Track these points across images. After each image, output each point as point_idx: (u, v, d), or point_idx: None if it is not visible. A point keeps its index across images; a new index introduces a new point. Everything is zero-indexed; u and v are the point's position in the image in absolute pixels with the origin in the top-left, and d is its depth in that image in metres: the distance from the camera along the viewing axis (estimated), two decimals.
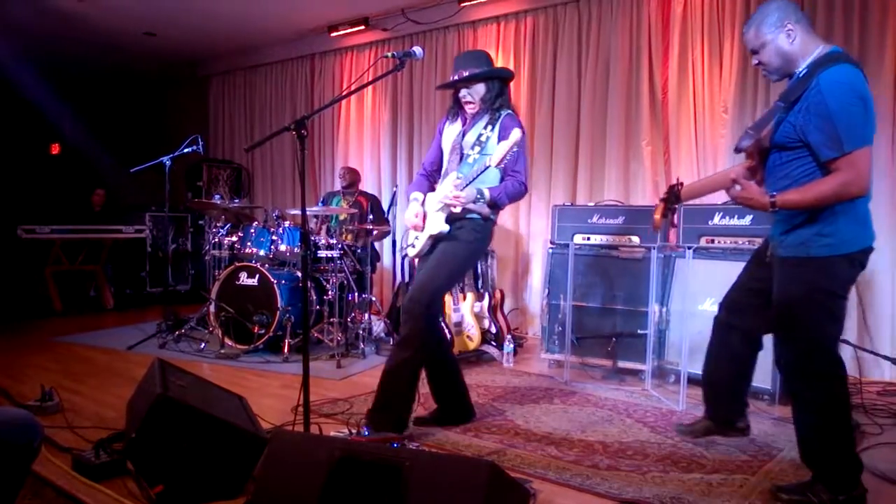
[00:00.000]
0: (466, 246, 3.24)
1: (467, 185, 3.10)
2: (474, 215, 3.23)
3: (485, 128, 3.22)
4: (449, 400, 3.52)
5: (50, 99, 8.57)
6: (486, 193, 3.14)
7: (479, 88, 3.26)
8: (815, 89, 2.28)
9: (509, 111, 3.28)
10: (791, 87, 2.41)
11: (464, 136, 3.30)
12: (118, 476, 2.60)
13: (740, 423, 2.96)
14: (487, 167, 3.07)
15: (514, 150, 3.01)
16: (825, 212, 2.33)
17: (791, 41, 2.40)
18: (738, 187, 2.48)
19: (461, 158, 3.25)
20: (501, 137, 3.12)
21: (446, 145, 3.41)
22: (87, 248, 7.25)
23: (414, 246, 3.36)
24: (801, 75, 2.40)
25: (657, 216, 2.84)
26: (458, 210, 3.16)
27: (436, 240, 3.27)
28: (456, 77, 3.28)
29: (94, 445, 2.75)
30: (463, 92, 3.27)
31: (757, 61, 2.50)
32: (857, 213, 2.36)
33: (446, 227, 3.21)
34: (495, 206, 3.22)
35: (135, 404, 2.82)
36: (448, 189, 3.14)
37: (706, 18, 5.27)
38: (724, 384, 2.93)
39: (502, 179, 3.25)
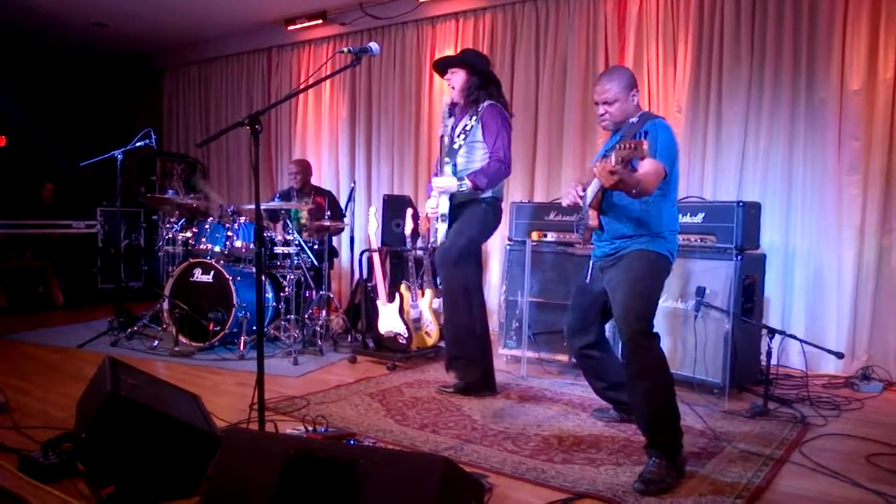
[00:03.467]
0: (475, 214, 3.71)
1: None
2: (481, 195, 3.69)
3: (469, 118, 3.62)
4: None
5: None
6: (465, 179, 3.60)
7: (459, 79, 3.69)
8: (653, 128, 2.84)
9: (491, 101, 3.67)
10: (629, 126, 2.94)
11: (454, 128, 3.70)
12: (68, 477, 2.54)
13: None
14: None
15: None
16: (661, 232, 2.89)
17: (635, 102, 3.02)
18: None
19: (450, 146, 3.68)
20: (483, 124, 3.58)
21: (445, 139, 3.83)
22: (36, 244, 7.05)
23: (436, 237, 3.75)
24: (634, 122, 2.96)
25: (595, 223, 2.97)
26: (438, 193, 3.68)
27: (448, 220, 3.72)
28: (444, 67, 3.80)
29: (42, 446, 2.68)
30: (448, 75, 3.75)
31: (604, 111, 2.97)
32: (675, 237, 2.98)
33: (446, 205, 3.69)
34: (477, 187, 3.57)
35: (85, 403, 2.76)
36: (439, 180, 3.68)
37: (661, 20, 5.36)
38: (609, 387, 3.37)
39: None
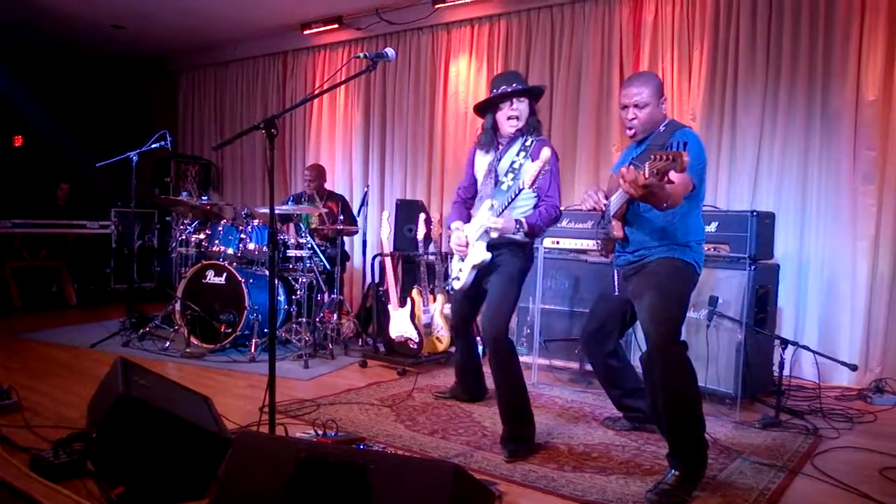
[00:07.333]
0: (513, 273, 3.28)
1: (502, 211, 3.12)
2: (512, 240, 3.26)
3: (517, 154, 3.24)
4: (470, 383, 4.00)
5: (13, 89, 8.39)
6: (524, 223, 3.15)
7: (525, 108, 3.28)
8: (683, 138, 2.75)
9: (541, 136, 3.31)
10: (657, 136, 2.89)
11: (498, 161, 3.30)
12: (78, 477, 2.55)
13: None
14: (521, 190, 3.05)
15: (546, 170, 2.96)
16: (688, 242, 2.88)
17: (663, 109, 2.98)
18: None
19: (496, 184, 3.27)
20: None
21: (479, 172, 3.43)
22: (50, 243, 7.10)
23: (459, 279, 3.38)
24: (661, 130, 2.90)
25: (620, 234, 2.93)
26: (495, 236, 3.17)
27: (479, 269, 3.30)
28: (507, 90, 3.25)
29: (53, 445, 2.70)
30: (515, 105, 3.25)
31: (633, 116, 2.90)
32: (701, 248, 2.96)
33: (488, 256, 3.25)
34: (533, 234, 3.23)
35: (96, 403, 2.78)
36: (485, 217, 3.18)
37: (676, 28, 5.35)
38: (625, 394, 3.40)
39: (536, 203, 3.27)
